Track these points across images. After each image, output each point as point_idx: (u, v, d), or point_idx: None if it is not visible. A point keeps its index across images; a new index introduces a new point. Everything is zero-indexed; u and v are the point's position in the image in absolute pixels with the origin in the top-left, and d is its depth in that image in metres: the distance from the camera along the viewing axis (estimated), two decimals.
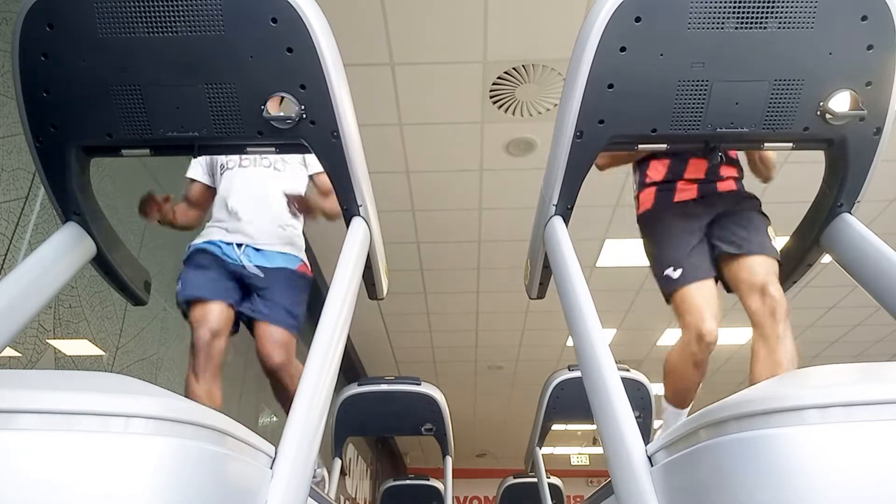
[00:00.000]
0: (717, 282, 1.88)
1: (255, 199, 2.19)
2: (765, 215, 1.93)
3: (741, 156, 2.08)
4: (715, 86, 1.22)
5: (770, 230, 1.88)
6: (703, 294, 1.79)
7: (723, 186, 1.97)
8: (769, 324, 1.69)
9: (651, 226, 1.98)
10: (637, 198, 2.07)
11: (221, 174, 2.26)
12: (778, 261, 1.74)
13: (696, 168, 1.97)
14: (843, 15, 1.16)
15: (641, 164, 2.08)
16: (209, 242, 2.14)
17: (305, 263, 2.24)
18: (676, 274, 1.82)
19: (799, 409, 0.66)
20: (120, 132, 1.24)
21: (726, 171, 2.00)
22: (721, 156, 1.98)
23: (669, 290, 1.85)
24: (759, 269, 1.75)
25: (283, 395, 2.10)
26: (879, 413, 0.64)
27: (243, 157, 2.24)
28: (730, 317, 6.38)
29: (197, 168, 2.31)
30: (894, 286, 1.17)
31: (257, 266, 2.12)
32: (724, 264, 1.86)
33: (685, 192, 1.96)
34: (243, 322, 2.16)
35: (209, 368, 1.95)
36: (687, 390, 1.95)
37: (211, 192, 2.28)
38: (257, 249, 2.15)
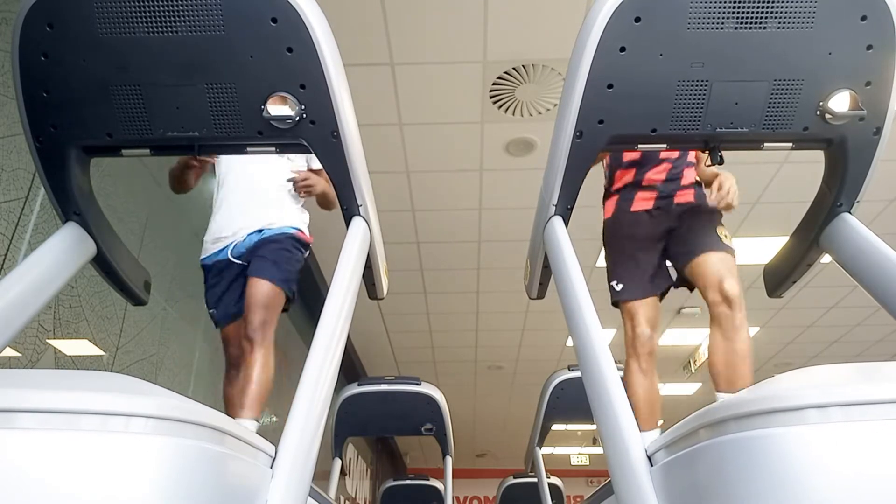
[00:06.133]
0: (660, 298, 2.01)
1: (252, 192, 2.23)
2: (721, 225, 2.03)
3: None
4: (714, 86, 1.22)
5: (720, 231, 1.97)
6: (638, 308, 1.97)
7: (680, 198, 2.05)
8: (726, 315, 1.80)
9: (608, 237, 2.12)
10: (603, 205, 2.19)
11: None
12: (731, 254, 1.87)
13: (657, 173, 2.08)
14: (843, 15, 1.16)
15: (611, 169, 2.19)
16: (210, 256, 2.22)
17: (303, 231, 2.26)
18: (619, 287, 2.00)
19: (798, 408, 0.67)
20: (120, 132, 1.24)
21: (687, 178, 2.08)
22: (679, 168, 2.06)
23: (613, 299, 2.03)
24: (715, 266, 1.85)
25: (243, 380, 1.97)
26: (879, 413, 0.64)
27: None
28: None
29: None
30: (894, 286, 1.17)
31: (256, 241, 2.16)
32: (684, 269, 1.96)
33: (643, 201, 2.07)
34: None
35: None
36: (640, 404, 1.87)
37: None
38: (258, 231, 2.18)
